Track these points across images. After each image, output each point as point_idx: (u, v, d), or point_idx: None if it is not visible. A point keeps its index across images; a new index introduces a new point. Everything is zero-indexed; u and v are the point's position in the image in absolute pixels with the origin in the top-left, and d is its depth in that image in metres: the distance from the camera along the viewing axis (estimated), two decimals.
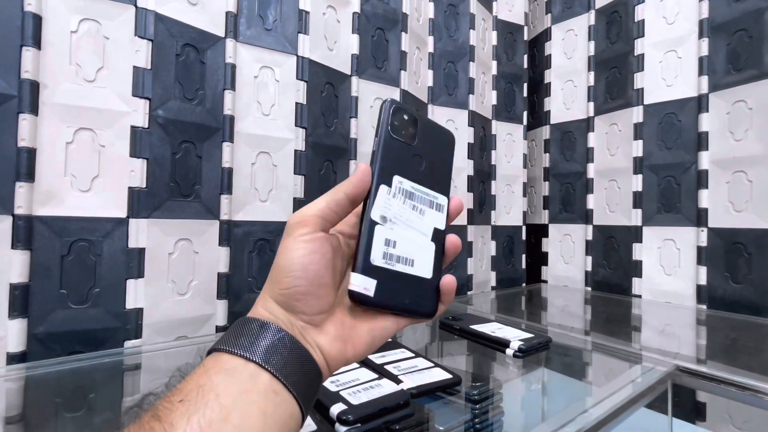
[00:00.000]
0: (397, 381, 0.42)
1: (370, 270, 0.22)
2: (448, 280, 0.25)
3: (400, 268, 0.24)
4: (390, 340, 0.57)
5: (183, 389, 0.19)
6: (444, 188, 0.27)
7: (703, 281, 0.90)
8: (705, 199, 0.91)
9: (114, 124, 0.57)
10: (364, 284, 0.22)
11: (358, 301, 0.22)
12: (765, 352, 0.65)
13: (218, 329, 0.66)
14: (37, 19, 0.51)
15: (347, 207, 0.24)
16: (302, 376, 0.21)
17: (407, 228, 0.24)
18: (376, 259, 0.23)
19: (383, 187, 0.24)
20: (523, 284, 1.23)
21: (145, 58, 0.59)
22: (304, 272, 0.22)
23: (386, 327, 0.25)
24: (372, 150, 0.25)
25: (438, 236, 0.26)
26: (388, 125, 0.25)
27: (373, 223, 0.23)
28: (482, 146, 1.12)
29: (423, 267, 0.25)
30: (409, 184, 0.25)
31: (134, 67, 0.58)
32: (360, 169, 0.24)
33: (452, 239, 0.27)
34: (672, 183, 0.97)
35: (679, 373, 0.52)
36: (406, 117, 0.25)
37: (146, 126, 0.59)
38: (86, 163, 0.55)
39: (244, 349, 0.20)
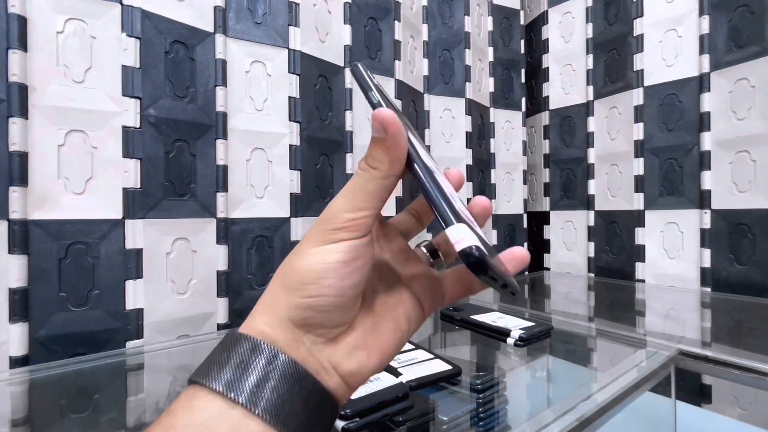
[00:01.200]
0: (396, 374, 0.42)
1: (463, 221, 0.16)
2: (523, 251, 0.20)
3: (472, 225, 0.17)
4: None
5: None
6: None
7: (707, 264, 0.89)
8: (708, 180, 0.89)
9: (105, 125, 0.56)
10: (472, 240, 0.15)
11: (477, 263, 0.15)
12: None
13: (219, 327, 0.66)
14: (22, 21, 0.51)
15: (394, 188, 0.18)
16: (309, 415, 0.16)
17: (443, 183, 0.19)
18: (459, 207, 0.17)
19: (410, 134, 0.19)
20: (526, 272, 1.23)
21: (134, 56, 0.58)
22: (338, 281, 0.17)
23: (411, 317, 0.20)
24: (371, 103, 0.19)
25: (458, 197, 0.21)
26: (374, 85, 0.20)
27: (429, 170, 0.18)
28: (480, 135, 1.11)
29: (476, 226, 0.19)
30: (416, 140, 0.20)
31: (123, 66, 0.57)
32: (392, 129, 0.17)
33: (482, 201, 0.22)
34: (674, 165, 0.95)
35: (682, 357, 0.51)
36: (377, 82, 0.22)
37: (138, 126, 0.58)
38: (79, 165, 0.54)
39: (227, 386, 0.15)
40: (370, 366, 0.18)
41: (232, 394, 0.15)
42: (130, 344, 0.58)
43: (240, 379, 0.15)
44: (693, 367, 0.51)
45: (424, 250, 0.24)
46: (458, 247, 0.15)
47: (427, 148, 0.20)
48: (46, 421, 0.42)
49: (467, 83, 1.05)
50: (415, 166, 0.18)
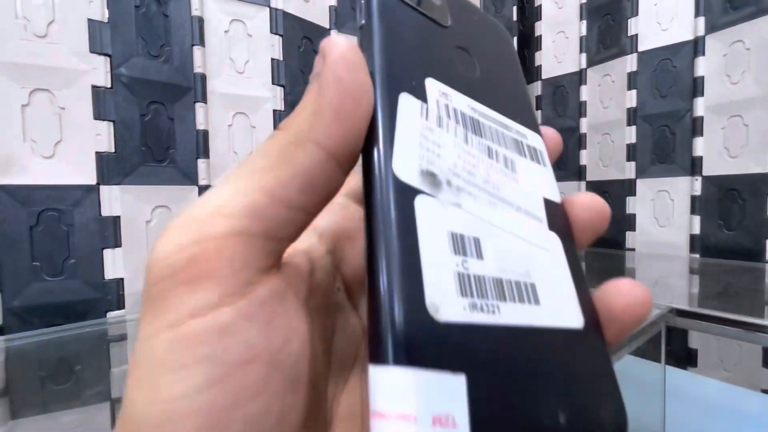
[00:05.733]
0: None
1: (434, 346, 0.07)
2: (636, 294, 0.10)
3: (509, 315, 0.09)
4: None
5: None
6: (527, 117, 0.13)
7: (697, 230, 0.89)
8: (700, 147, 0.89)
9: (73, 84, 0.53)
10: (431, 408, 0.07)
11: None
12: (757, 294, 0.65)
13: None
14: None
15: (329, 179, 0.09)
16: None
17: (491, 200, 0.10)
18: (446, 302, 0.08)
19: (406, 97, 0.10)
20: None
21: (101, 9, 0.54)
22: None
23: None
24: (359, 26, 0.11)
25: (556, 216, 0.12)
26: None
27: (408, 192, 0.09)
28: None
29: (553, 296, 0.10)
30: (464, 101, 0.11)
31: (89, 20, 0.53)
32: (335, 54, 0.09)
33: (593, 203, 0.12)
34: (666, 133, 0.94)
35: (671, 314, 0.51)
36: None
37: (109, 85, 0.55)
38: (46, 127, 0.51)
39: None
40: None
41: None
42: (111, 315, 0.56)
43: None
44: (681, 323, 0.51)
45: None
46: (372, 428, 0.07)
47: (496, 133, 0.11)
48: (26, 393, 0.40)
49: None
50: (371, 174, 0.09)
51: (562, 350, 0.09)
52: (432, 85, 0.11)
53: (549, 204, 0.12)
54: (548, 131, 0.14)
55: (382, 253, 0.08)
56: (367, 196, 0.09)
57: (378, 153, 0.09)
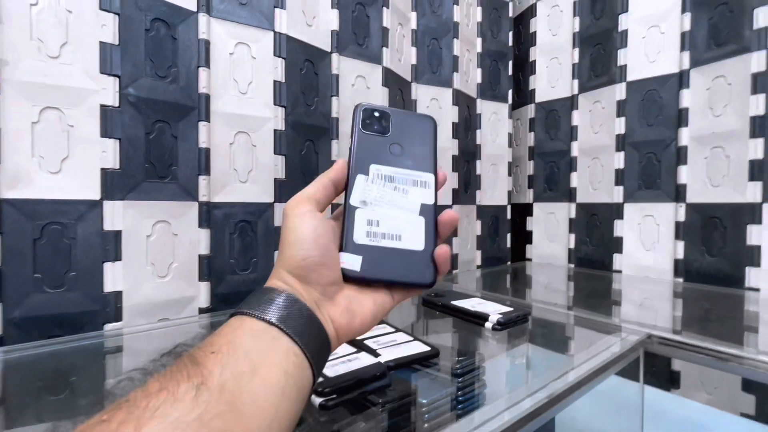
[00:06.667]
0: (375, 354, 0.43)
1: (354, 248, 0.25)
2: (442, 250, 0.27)
3: (386, 243, 0.26)
4: None
5: (214, 343, 0.20)
6: (427, 167, 0.28)
7: (681, 255, 0.93)
8: (684, 174, 0.92)
9: (82, 103, 0.55)
10: (349, 261, 0.25)
11: (347, 277, 0.25)
12: (735, 320, 0.68)
13: (201, 311, 0.66)
14: None
15: (332, 190, 0.27)
16: (316, 345, 0.23)
17: (391, 208, 0.27)
18: (359, 237, 0.26)
19: (360, 177, 0.27)
20: (508, 263, 1.25)
21: (112, 33, 0.56)
22: (315, 244, 0.24)
23: (384, 301, 0.27)
24: (348, 148, 0.28)
25: (427, 210, 0.27)
26: (360, 123, 0.28)
27: (353, 208, 0.26)
28: (467, 125, 1.12)
29: (413, 240, 0.26)
30: (389, 170, 0.27)
31: (101, 42, 0.56)
32: (337, 162, 0.27)
33: (447, 212, 0.28)
34: (653, 160, 0.98)
35: (650, 341, 0.53)
36: (376, 113, 0.28)
37: (117, 105, 0.57)
38: (54, 144, 0.53)
39: (266, 314, 0.22)
40: (354, 326, 0.25)
41: (268, 318, 0.22)
42: (108, 327, 0.57)
43: (275, 312, 0.22)
44: (660, 350, 0.53)
45: None
46: (341, 266, 0.25)
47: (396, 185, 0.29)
48: (21, 403, 0.42)
49: (455, 73, 1.05)
50: (345, 203, 0.26)
51: (407, 255, 0.26)
52: (373, 167, 0.27)
53: (423, 206, 0.27)
54: (439, 172, 0.29)
55: (346, 225, 0.26)
56: (344, 209, 0.27)
57: (347, 195, 0.27)
